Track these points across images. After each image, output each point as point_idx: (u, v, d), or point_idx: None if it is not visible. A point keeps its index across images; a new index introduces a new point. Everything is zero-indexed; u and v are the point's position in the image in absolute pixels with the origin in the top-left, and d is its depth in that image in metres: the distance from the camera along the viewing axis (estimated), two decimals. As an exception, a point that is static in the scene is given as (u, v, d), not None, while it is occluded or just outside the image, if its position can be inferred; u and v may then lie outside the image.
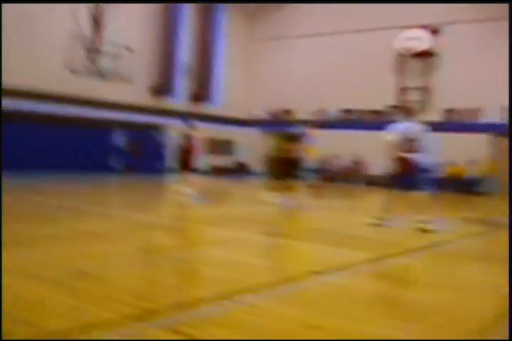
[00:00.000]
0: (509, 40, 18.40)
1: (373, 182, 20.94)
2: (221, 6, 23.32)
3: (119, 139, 19.30)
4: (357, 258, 5.47)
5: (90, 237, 6.14)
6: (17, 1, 15.01)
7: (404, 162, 8.04)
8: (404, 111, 8.62)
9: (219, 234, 7.00)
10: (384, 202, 8.30)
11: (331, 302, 3.85)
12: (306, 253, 5.97)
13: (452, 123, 19.97)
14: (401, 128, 8.13)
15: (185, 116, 17.76)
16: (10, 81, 16.70)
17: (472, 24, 19.67)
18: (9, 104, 16.43)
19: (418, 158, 8.02)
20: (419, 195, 8.10)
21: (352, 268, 5.07)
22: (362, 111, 22.33)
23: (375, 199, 16.97)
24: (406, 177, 8.09)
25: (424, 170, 8.24)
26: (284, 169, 14.80)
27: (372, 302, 4.07)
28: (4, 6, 16.70)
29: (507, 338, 3.16)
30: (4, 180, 13.19)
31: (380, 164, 20.22)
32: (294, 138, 15.34)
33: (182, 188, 12.31)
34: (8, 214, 7.67)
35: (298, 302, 3.79)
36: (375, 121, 21.72)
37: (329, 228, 8.13)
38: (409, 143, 7.99)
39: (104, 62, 16.04)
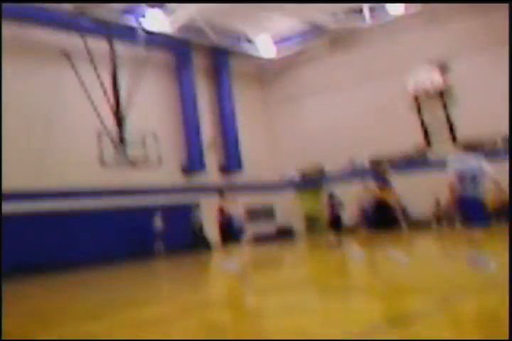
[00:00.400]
0: (509, 40, 18.43)
1: (416, 224, 20.56)
2: (228, 77, 24.09)
3: (157, 222, 19.59)
4: (422, 307, 5.31)
5: (148, 326, 6.13)
6: (17, 1, 15.66)
7: (463, 202, 7.46)
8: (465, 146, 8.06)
9: (272, 302, 6.90)
10: (471, 241, 7.39)
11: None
12: (359, 311, 5.82)
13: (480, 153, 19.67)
14: (457, 164, 7.77)
15: (219, 189, 17.99)
16: (46, 183, 17.42)
17: (480, 55, 19.85)
18: (47, 203, 17.14)
19: (481, 194, 7.41)
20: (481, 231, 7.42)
21: (420, 318, 4.92)
22: (392, 156, 22.29)
23: (422, 243, 16.62)
24: (472, 215, 7.40)
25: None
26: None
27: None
28: (33, 109, 17.68)
29: (507, 338, 3.03)
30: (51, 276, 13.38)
31: (421, 205, 20.13)
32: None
33: (228, 261, 12.30)
34: (63, 312, 7.74)
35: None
36: (407, 162, 21.63)
37: (383, 280, 7.95)
38: (471, 179, 7.45)
39: (132, 151, 16.59)
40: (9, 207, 16.40)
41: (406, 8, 20.37)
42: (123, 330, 5.91)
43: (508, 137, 18.96)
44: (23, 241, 16.49)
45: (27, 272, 15.74)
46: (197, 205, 21.39)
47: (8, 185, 16.56)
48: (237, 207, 16.33)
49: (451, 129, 20.51)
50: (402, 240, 11.25)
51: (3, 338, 2.86)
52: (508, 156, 18.42)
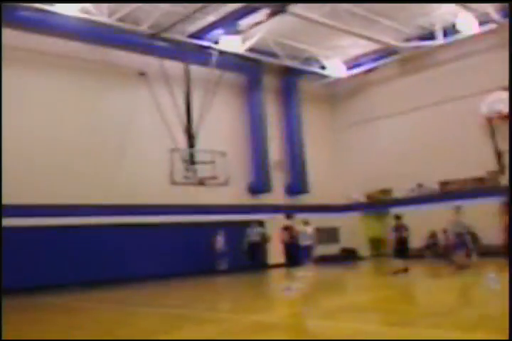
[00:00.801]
0: (509, 40, 17.68)
1: (488, 252, 19.84)
2: (297, 98, 24.28)
3: (223, 240, 19.87)
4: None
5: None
6: (19, 1, 16.28)
7: None
8: None
9: (335, 328, 6.89)
10: None
11: None
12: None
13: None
14: None
15: (287, 210, 18.10)
16: (122, 199, 18.16)
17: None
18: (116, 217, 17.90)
19: None
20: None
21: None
22: (463, 181, 21.70)
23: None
24: None
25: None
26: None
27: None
28: (108, 129, 18.53)
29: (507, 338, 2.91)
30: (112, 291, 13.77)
31: (493, 233, 19.46)
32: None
33: (290, 283, 12.33)
34: (125, 329, 8.00)
35: None
36: (479, 188, 21.01)
37: (452, 309, 7.78)
38: None
39: (201, 170, 17.00)
40: (78, 221, 17.28)
41: (479, 27, 19.92)
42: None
43: None
44: (92, 252, 17.24)
45: (85, 285, 16.38)
46: (263, 225, 21.59)
47: (80, 202, 17.38)
48: (308, 227, 16.41)
49: (526, 154, 19.79)
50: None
51: (3, 338, 3.02)
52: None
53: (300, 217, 17.80)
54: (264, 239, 20.21)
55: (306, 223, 16.62)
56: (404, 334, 6.39)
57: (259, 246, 20.04)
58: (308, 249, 16.40)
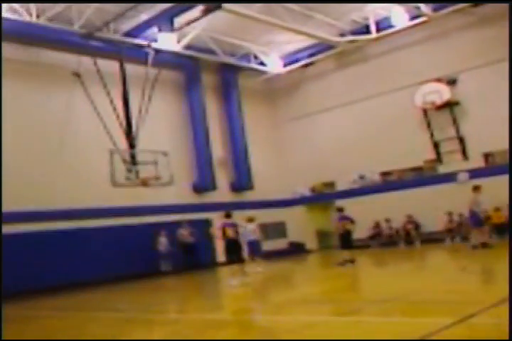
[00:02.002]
0: (509, 40, 18.39)
1: (431, 239, 20.46)
2: (236, 95, 24.24)
3: (166, 240, 19.63)
4: (435, 326, 5.31)
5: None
6: (18, 1, 15.86)
7: None
8: None
9: (286, 322, 6.91)
10: None
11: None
12: (380, 329, 5.80)
13: (495, 167, 19.60)
14: None
15: (229, 207, 18.04)
16: (59, 203, 17.64)
17: (487, 67, 19.86)
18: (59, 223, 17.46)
19: None
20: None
21: (434, 337, 4.91)
22: (403, 170, 22.25)
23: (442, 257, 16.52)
24: None
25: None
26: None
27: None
28: (45, 131, 17.96)
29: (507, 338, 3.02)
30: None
31: (434, 220, 20.07)
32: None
33: (238, 278, 12.31)
34: (76, 334, 7.78)
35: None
36: (417, 178, 21.61)
37: (398, 296, 7.92)
38: None
39: (144, 171, 16.68)
40: (21, 228, 16.68)
41: (411, 19, 20.41)
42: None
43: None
44: (33, 261, 16.68)
45: (35, 292, 15.84)
46: (209, 223, 21.47)
47: (20, 207, 16.79)
48: (250, 224, 16.26)
49: (461, 143, 20.49)
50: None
51: (3, 338, 2.89)
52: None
53: (247, 213, 17.81)
54: (209, 237, 19.98)
55: (250, 220, 16.38)
56: (352, 322, 6.46)
57: (193, 247, 19.81)
58: (253, 244, 16.33)
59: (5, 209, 16.32)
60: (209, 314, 8.67)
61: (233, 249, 12.80)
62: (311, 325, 6.54)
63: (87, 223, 18.28)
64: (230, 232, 12.74)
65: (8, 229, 16.34)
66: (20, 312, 12.33)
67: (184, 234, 19.83)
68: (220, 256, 20.06)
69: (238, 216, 15.64)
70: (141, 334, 7.21)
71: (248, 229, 15.91)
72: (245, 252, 15.81)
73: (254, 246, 16.40)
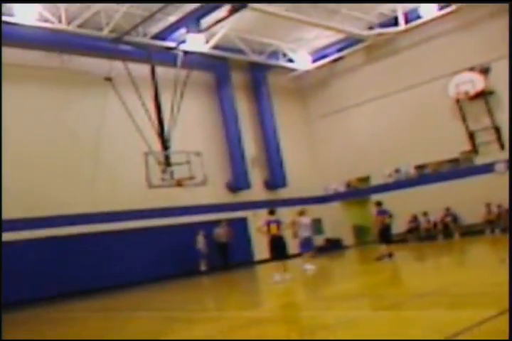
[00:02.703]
0: (509, 40, 17.95)
1: (470, 231, 20.12)
2: (267, 93, 24.26)
3: (204, 240, 19.81)
4: (476, 318, 5.25)
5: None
6: (18, 2, 16.10)
7: None
8: None
9: (329, 317, 6.92)
10: None
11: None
12: (424, 323, 5.76)
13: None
14: None
15: (267, 206, 18.07)
16: (99, 207, 18.02)
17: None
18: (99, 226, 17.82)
19: None
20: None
21: (473, 330, 4.87)
22: (439, 163, 21.93)
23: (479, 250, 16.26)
24: None
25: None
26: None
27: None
28: (81, 137, 18.35)
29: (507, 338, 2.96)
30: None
31: (472, 211, 19.72)
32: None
33: (279, 275, 12.35)
34: (121, 333, 7.93)
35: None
36: (454, 169, 21.29)
37: (438, 289, 7.85)
38: None
39: (178, 171, 16.86)
40: (64, 232, 17.11)
41: (439, 9, 20.12)
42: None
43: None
44: (74, 263, 17.09)
45: (76, 294, 16.25)
46: (244, 221, 21.61)
47: (60, 211, 17.23)
48: (305, 218, 15.59)
49: (497, 132, 20.08)
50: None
51: (3, 338, 2.97)
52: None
53: (281, 211, 17.82)
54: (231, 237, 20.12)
55: (301, 213, 15.56)
56: (392, 316, 6.44)
57: (228, 246, 19.91)
58: (307, 240, 15.50)
59: (49, 213, 16.84)
60: (249, 311, 8.75)
61: (277, 245, 12.82)
62: (350, 319, 6.54)
63: (126, 225, 18.61)
64: (274, 229, 12.78)
65: (50, 232, 16.81)
66: (62, 314, 12.62)
67: (220, 233, 19.96)
68: (259, 254, 20.21)
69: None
70: (184, 332, 7.32)
71: (303, 224, 15.25)
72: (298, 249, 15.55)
73: (306, 243, 15.55)
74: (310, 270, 14.32)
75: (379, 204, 15.27)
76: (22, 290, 15.42)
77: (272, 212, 13.25)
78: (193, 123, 21.63)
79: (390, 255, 14.36)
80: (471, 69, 20.52)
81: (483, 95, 20.19)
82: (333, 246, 24.12)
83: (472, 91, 20.20)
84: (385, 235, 14.73)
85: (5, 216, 15.63)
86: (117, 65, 18.91)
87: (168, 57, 19.68)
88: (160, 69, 19.26)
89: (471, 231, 20.15)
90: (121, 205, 18.63)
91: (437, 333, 4.82)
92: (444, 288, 8.04)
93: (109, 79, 18.70)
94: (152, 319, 9.36)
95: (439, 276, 10.14)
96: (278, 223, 12.92)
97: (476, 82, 20.18)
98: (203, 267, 19.60)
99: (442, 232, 20.93)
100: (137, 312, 10.77)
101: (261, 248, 17.02)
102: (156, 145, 17.61)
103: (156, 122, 18.02)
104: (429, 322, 5.67)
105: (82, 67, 19.20)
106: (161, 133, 17.88)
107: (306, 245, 15.51)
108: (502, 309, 5.55)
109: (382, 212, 14.93)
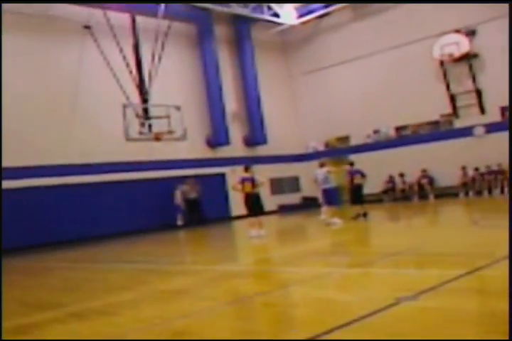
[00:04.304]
0: (509, 39, 17.95)
1: (445, 194, 20.44)
2: (250, 47, 23.80)
3: (181, 195, 19.87)
4: (445, 277, 5.37)
5: (177, 296, 6.31)
6: (17, 2, 15.75)
7: None
8: None
9: (300, 273, 7.03)
10: None
11: (425, 329, 3.80)
12: (391, 280, 5.89)
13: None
14: None
15: (244, 161, 18.08)
16: (74, 158, 17.83)
17: (507, 18, 19.22)
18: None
19: None
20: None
21: (440, 288, 4.98)
22: (418, 125, 21.99)
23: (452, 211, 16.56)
24: None
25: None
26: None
27: (472, 321, 3.98)
28: (58, 86, 17.95)
29: (507, 338, 3.04)
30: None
31: (449, 174, 19.96)
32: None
33: (254, 231, 12.47)
34: (93, 284, 8.00)
35: (391, 333, 3.77)
36: (433, 132, 21.38)
37: (409, 249, 7.99)
38: None
39: (157, 125, 16.66)
40: (38, 182, 16.96)
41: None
42: (142, 304, 6.10)
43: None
44: (49, 214, 17.06)
45: (53, 245, 16.30)
46: (222, 177, 21.65)
47: (36, 162, 17.02)
48: (322, 171, 14.63)
49: (479, 96, 20.11)
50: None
51: (3, 338, 2.99)
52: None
53: (260, 168, 17.83)
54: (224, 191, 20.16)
55: (321, 165, 14.68)
56: (363, 273, 6.56)
57: (198, 202, 19.97)
58: (326, 193, 14.38)
59: (22, 164, 16.61)
60: (223, 265, 8.84)
61: (252, 203, 12.80)
62: (322, 274, 6.66)
63: (104, 178, 18.51)
64: (248, 187, 12.71)
65: (25, 183, 16.63)
66: (40, 264, 12.66)
67: (187, 190, 19.91)
68: (236, 210, 20.36)
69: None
70: (161, 285, 7.40)
71: (319, 177, 14.39)
72: (321, 201, 14.90)
73: (327, 196, 14.40)
74: (335, 224, 13.53)
75: (351, 164, 15.40)
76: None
77: (246, 169, 13.11)
78: (173, 77, 21.24)
79: (365, 214, 14.56)
80: (457, 31, 20.32)
81: (467, 58, 20.10)
82: (310, 204, 24.34)
83: (457, 54, 20.07)
84: (358, 195, 14.88)
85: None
86: (97, 13, 18.30)
87: (149, 6, 19.10)
88: (140, 19, 18.73)
89: (446, 194, 20.48)
90: (99, 157, 18.45)
91: (406, 291, 4.91)
92: (415, 247, 8.19)
93: (88, 27, 18.17)
94: (129, 271, 9.44)
95: (411, 236, 10.33)
96: (252, 180, 12.83)
97: (461, 44, 20.03)
98: (179, 221, 19.76)
99: (417, 193, 21.24)
100: (114, 264, 10.84)
101: (238, 204, 17.09)
102: (135, 98, 17.32)
103: (135, 74, 17.65)
104: (398, 280, 5.79)
105: (60, 15, 18.55)
106: (140, 86, 17.56)
107: (328, 198, 14.41)
108: (470, 269, 5.68)
109: (354, 172, 15.02)
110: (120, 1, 17.69)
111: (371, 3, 21.63)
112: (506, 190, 18.50)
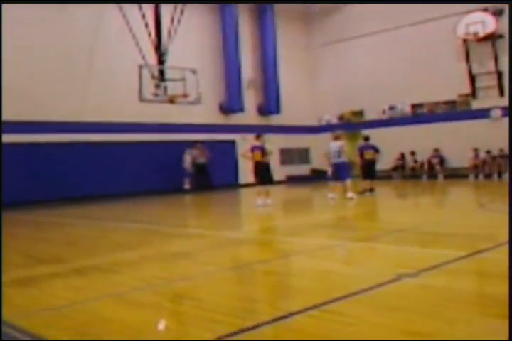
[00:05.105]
0: (509, 39, 17.50)
1: (455, 174, 20.34)
2: (271, 15, 23.40)
3: (190, 159, 19.91)
4: (446, 257, 5.38)
5: (179, 258, 6.38)
6: (18, 1, 15.66)
7: None
8: None
9: (303, 243, 7.08)
10: None
11: (424, 306, 3.83)
12: (393, 256, 5.91)
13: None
14: None
15: (255, 129, 18.00)
16: (90, 116, 17.84)
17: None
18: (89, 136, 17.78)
19: None
20: None
21: (442, 268, 5.00)
22: (435, 103, 21.72)
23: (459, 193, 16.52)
24: None
25: None
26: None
27: (471, 301, 4.00)
28: (71, 42, 17.81)
29: (507, 338, 3.05)
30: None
31: (461, 155, 19.81)
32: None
33: (260, 200, 12.51)
34: (100, 242, 8.11)
35: (390, 308, 3.80)
36: (450, 112, 21.13)
37: (414, 227, 8.00)
38: None
39: (172, 88, 16.56)
40: (52, 138, 17.07)
41: None
42: (145, 265, 6.18)
43: None
44: (61, 171, 17.18)
45: (63, 201, 16.50)
46: (234, 144, 21.62)
47: (50, 118, 17.05)
48: (335, 144, 13.86)
49: (499, 78, 19.76)
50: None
51: (3, 338, 3.06)
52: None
53: (271, 137, 17.75)
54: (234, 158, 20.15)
55: (336, 138, 13.92)
56: (366, 247, 6.59)
57: (206, 167, 20.00)
58: (338, 167, 13.66)
59: (38, 118, 16.68)
60: (227, 231, 8.91)
61: (261, 171, 12.80)
62: (325, 246, 6.70)
63: (113, 137, 18.54)
64: (257, 156, 12.68)
65: (38, 138, 16.70)
66: (48, 218, 12.83)
67: (196, 154, 19.95)
68: (244, 177, 20.41)
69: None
70: (161, 246, 7.48)
71: (332, 150, 13.63)
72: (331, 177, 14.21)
73: (338, 170, 13.70)
74: (352, 198, 13.14)
75: (366, 138, 15.20)
76: (9, 193, 15.49)
77: (258, 137, 13.03)
78: (192, 40, 21.00)
79: (372, 190, 14.55)
80: (485, 9, 19.83)
81: (492, 38, 19.66)
82: (318, 176, 24.34)
83: (481, 33, 19.63)
84: (367, 171, 14.81)
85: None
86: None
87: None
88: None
89: (456, 175, 20.37)
90: (111, 117, 18.44)
91: (407, 268, 4.94)
92: (420, 225, 8.19)
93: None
94: (133, 230, 9.54)
95: (417, 214, 10.33)
96: (262, 149, 12.77)
97: (487, 24, 19.57)
98: (187, 186, 19.86)
99: (427, 173, 21.15)
100: (119, 223, 10.96)
101: (247, 172, 17.11)
102: (152, 59, 17.17)
103: (153, 34, 17.46)
104: (400, 257, 5.81)
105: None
106: (158, 47, 17.37)
107: (339, 173, 13.70)
108: (473, 250, 5.69)
109: (367, 147, 14.90)
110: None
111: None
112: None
